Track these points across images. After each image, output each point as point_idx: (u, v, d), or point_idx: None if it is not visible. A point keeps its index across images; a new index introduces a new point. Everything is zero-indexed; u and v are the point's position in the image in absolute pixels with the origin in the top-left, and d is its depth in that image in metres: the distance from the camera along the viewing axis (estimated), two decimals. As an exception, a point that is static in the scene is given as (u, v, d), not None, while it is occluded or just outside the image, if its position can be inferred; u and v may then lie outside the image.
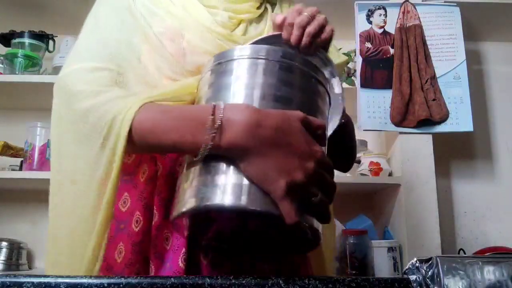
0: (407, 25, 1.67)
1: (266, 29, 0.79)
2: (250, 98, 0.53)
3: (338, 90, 0.70)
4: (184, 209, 0.49)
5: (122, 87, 0.66)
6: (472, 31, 1.83)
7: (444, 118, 1.58)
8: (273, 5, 0.85)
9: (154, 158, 0.68)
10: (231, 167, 0.49)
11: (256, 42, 0.69)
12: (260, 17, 0.81)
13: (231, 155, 0.49)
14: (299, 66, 0.56)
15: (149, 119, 0.57)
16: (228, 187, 0.48)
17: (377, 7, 1.69)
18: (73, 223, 0.60)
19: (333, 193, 0.52)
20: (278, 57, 0.56)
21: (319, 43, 0.68)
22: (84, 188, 0.60)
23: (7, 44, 1.78)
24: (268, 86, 0.54)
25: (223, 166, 0.50)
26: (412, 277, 0.49)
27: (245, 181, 0.48)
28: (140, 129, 0.57)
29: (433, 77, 1.61)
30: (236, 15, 0.76)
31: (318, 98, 0.58)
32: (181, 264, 0.60)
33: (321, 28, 0.67)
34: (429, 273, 0.48)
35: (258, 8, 0.81)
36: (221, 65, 0.58)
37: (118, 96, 0.62)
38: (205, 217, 0.56)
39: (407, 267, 0.50)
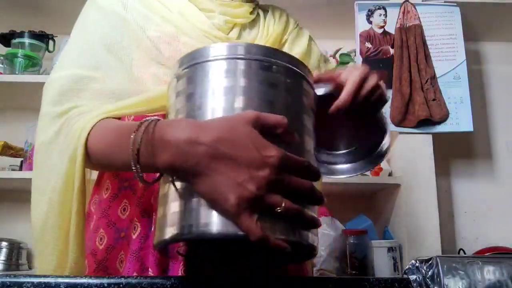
0: (407, 25, 1.67)
1: (259, 34, 0.80)
2: (227, 106, 0.48)
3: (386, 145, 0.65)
4: (165, 238, 0.46)
5: (104, 95, 0.66)
6: (472, 31, 1.83)
7: (444, 118, 1.58)
8: (265, 11, 0.86)
9: None
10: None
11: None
12: (253, 22, 0.82)
13: (177, 177, 0.47)
14: (282, 64, 0.51)
15: (99, 142, 0.58)
16: (193, 214, 0.45)
17: (377, 7, 1.69)
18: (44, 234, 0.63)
19: (307, 194, 0.47)
20: (258, 55, 0.50)
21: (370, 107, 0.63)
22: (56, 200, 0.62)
23: (7, 44, 1.78)
24: (248, 90, 0.48)
25: (189, 188, 0.46)
26: (412, 277, 0.49)
27: (205, 205, 0.45)
28: (92, 150, 0.59)
29: (433, 77, 1.61)
30: (232, 19, 0.77)
31: (304, 97, 0.53)
32: (180, 274, 0.59)
33: (378, 96, 0.63)
34: (429, 273, 0.48)
35: (251, 13, 0.82)
36: (191, 68, 0.51)
37: (81, 113, 0.63)
38: None
39: (407, 267, 0.50)
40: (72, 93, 0.65)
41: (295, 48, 0.84)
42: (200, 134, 0.45)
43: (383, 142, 0.65)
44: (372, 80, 0.61)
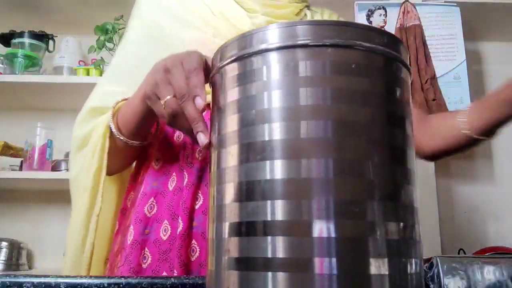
0: (407, 25, 1.67)
1: None
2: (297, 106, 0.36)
3: None
4: None
5: None
6: (472, 31, 1.83)
7: (444, 118, 1.58)
8: (314, 13, 0.84)
9: (182, 167, 0.69)
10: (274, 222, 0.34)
11: None
12: None
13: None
14: (365, 44, 0.36)
15: (120, 114, 0.67)
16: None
17: (377, 7, 1.69)
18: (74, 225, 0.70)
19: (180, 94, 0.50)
20: (331, 36, 0.36)
21: None
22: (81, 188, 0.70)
23: (7, 44, 1.78)
24: (321, 86, 0.36)
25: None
26: (412, 277, 0.49)
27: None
28: (120, 123, 0.67)
29: (433, 77, 1.61)
30: (274, 20, 0.75)
31: (399, 87, 0.39)
32: None
33: None
34: (429, 273, 0.48)
35: (297, 14, 0.80)
36: (242, 61, 0.40)
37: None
38: None
39: (407, 267, 0.50)
40: (97, 113, 0.72)
41: None
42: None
43: None
44: None
